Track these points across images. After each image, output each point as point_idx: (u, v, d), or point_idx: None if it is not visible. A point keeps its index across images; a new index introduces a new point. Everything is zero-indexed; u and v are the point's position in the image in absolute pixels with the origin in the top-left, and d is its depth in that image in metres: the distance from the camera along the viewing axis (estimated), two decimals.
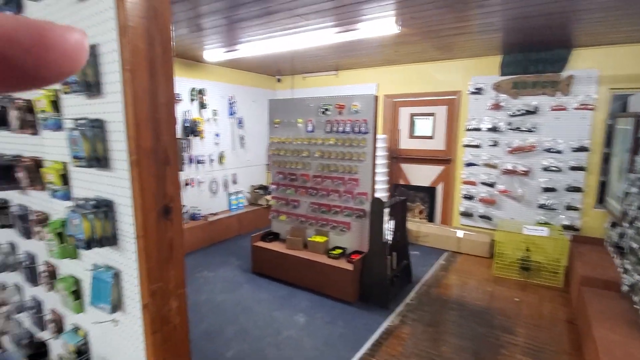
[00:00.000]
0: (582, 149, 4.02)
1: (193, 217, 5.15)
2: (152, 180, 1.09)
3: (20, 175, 1.42)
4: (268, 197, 6.02)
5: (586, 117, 3.98)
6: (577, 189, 4.11)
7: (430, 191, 5.32)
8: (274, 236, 4.27)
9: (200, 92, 5.22)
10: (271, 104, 4.19)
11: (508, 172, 4.45)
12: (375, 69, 5.46)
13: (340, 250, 3.75)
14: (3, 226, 1.73)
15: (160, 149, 1.10)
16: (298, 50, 4.29)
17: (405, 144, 5.40)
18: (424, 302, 3.58)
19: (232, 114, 5.79)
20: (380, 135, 5.05)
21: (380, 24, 3.18)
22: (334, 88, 5.83)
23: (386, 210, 3.60)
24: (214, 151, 5.55)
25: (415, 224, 5.21)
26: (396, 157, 5.45)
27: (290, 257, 3.86)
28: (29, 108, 1.34)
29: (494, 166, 4.57)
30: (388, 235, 3.75)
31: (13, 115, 1.36)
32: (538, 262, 3.97)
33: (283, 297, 3.68)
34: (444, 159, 5.06)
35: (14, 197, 1.68)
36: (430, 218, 5.38)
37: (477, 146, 4.66)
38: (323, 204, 3.90)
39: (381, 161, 5.01)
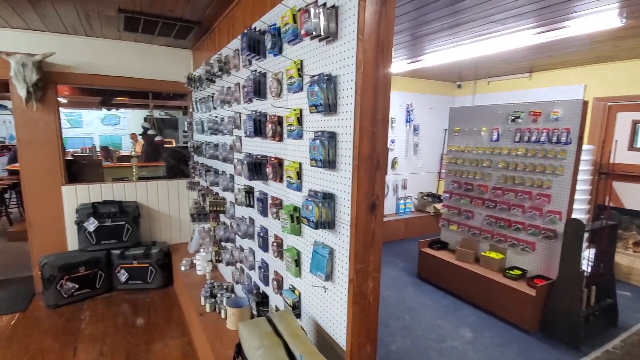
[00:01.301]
0: None
1: None
2: (366, 181, 1.35)
3: (267, 170, 1.97)
4: (437, 205, 5.94)
5: None
6: None
7: None
8: (442, 245, 4.23)
9: None
10: (452, 112, 4.16)
11: None
12: (583, 68, 4.63)
13: (519, 272, 3.41)
14: (248, 205, 2.40)
15: (375, 156, 1.35)
16: (486, 55, 4.10)
17: (623, 157, 4.38)
18: (633, 354, 2.89)
19: (408, 121, 5.98)
20: (585, 147, 4.27)
21: (596, 19, 2.75)
22: (524, 92, 5.26)
23: (585, 235, 3.07)
24: (388, 157, 5.87)
25: (628, 258, 4.18)
26: (606, 173, 4.49)
27: (459, 268, 3.75)
28: (279, 122, 1.85)
29: None
30: (586, 265, 3.19)
31: (268, 127, 1.91)
32: None
33: (448, 307, 3.62)
34: None
35: (258, 185, 2.32)
36: None
37: None
38: (502, 218, 3.63)
39: (583, 177, 4.23)
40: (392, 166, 5.94)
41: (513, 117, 3.47)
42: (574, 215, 3.79)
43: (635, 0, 2.42)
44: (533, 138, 3.32)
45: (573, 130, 3.04)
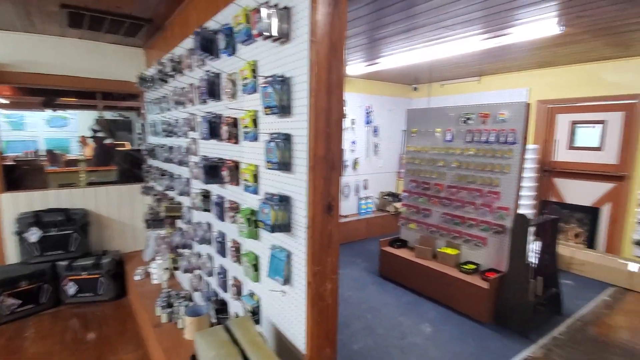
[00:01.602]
0: None
1: None
2: (322, 182, 1.35)
3: (224, 173, 1.92)
4: (397, 204, 6.10)
5: None
6: None
7: (591, 212, 4.53)
8: (402, 243, 4.34)
9: None
10: (409, 114, 4.28)
11: None
12: (527, 73, 4.96)
13: (473, 266, 3.58)
14: (205, 209, 2.32)
15: (330, 157, 1.35)
16: (439, 59, 4.27)
17: (563, 155, 4.73)
18: (576, 339, 3.12)
19: (368, 122, 6.09)
20: (530, 146, 4.57)
21: (538, 27, 2.95)
22: (475, 95, 5.54)
23: (531, 229, 3.28)
24: (350, 158, 5.94)
25: (569, 249, 4.52)
26: (549, 171, 4.83)
27: (419, 265, 3.87)
28: (235, 124, 1.80)
29: None
30: (532, 257, 3.40)
31: (223, 129, 1.85)
32: None
33: (409, 304, 3.72)
34: (615, 175, 4.25)
35: (214, 189, 2.25)
36: (590, 244, 4.57)
37: None
38: (457, 215, 3.79)
39: (528, 174, 4.52)
40: (354, 167, 6.02)
41: (464, 119, 3.64)
42: (521, 211, 4.02)
43: (572, 10, 2.62)
44: (483, 138, 3.50)
45: (518, 130, 3.24)
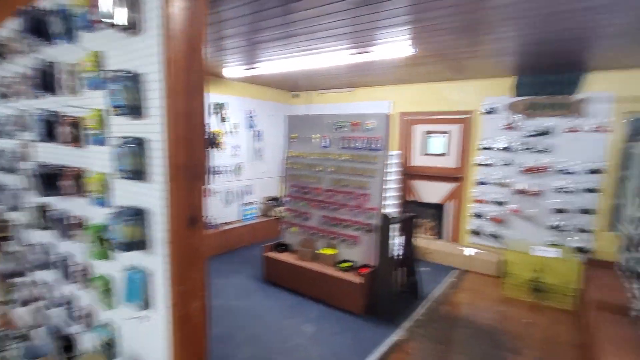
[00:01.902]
0: (596, 171, 4.03)
1: (207, 226, 5.33)
2: (183, 193, 1.23)
3: (64, 183, 1.59)
4: (280, 208, 6.16)
5: (601, 140, 4.01)
6: (589, 212, 4.11)
7: (440, 208, 5.37)
8: (285, 247, 4.39)
9: (221, 106, 5.45)
10: (289, 120, 4.37)
11: (520, 192, 4.48)
12: (390, 87, 5.60)
13: (349, 264, 3.84)
14: (43, 228, 1.91)
15: (192, 165, 1.24)
16: (315, 69, 4.47)
17: (418, 161, 5.49)
18: (432, 318, 3.62)
19: (251, 127, 6.00)
20: (393, 152, 5.15)
21: (395, 47, 3.33)
22: (349, 105, 6.00)
23: (394, 226, 3.68)
24: (232, 162, 5.75)
25: (425, 241, 5.25)
26: (408, 174, 5.54)
27: (300, 268, 3.96)
28: (77, 124, 1.51)
29: (505, 185, 4.61)
30: (396, 251, 3.82)
31: (63, 130, 1.54)
32: (549, 284, 3.97)
33: (293, 306, 3.77)
34: (455, 176, 5.12)
35: (55, 202, 1.86)
36: (440, 235, 5.41)
37: (489, 165, 4.71)
38: (333, 217, 4.01)
39: (393, 177, 5.10)
40: (237, 172, 5.85)
41: (338, 126, 3.90)
42: (388, 210, 4.48)
43: (421, 35, 3.04)
44: (354, 145, 3.79)
45: (382, 139, 3.61)
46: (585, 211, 4.13)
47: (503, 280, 4.28)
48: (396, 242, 3.85)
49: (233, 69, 4.69)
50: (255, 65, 4.45)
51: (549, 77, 4.22)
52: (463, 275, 4.73)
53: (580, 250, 4.17)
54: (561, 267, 3.94)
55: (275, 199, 6.44)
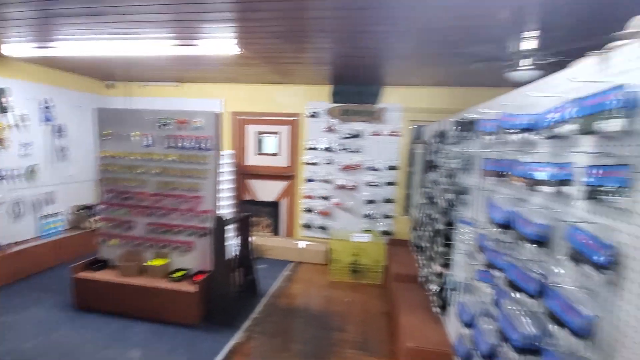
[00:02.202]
0: (393, 167, 5.00)
1: None
2: None
3: None
4: (95, 218, 5.21)
5: (395, 142, 4.98)
6: (390, 201, 5.06)
7: (275, 206, 5.61)
8: (103, 263, 3.73)
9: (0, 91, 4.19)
10: (99, 114, 3.72)
11: (340, 187, 5.12)
12: (221, 85, 5.48)
13: (183, 272, 3.56)
14: None
15: None
16: (134, 57, 3.94)
17: (252, 160, 5.57)
18: (270, 313, 3.73)
19: (47, 120, 4.83)
20: (226, 152, 5.07)
21: (220, 44, 3.25)
22: (176, 100, 5.56)
23: (230, 227, 3.63)
24: (21, 164, 4.51)
25: (263, 238, 5.39)
26: (243, 174, 5.56)
27: (124, 285, 3.45)
28: None
29: (329, 182, 5.19)
30: (234, 252, 3.78)
31: None
32: (364, 265, 4.67)
33: (115, 332, 3.24)
34: (287, 175, 5.44)
35: None
36: (276, 231, 5.66)
37: (315, 164, 5.20)
38: (163, 223, 3.65)
39: (228, 177, 5.01)
40: (30, 176, 4.61)
41: (162, 124, 3.55)
42: (224, 212, 4.38)
43: (245, 36, 3.05)
44: (182, 145, 3.53)
45: (213, 138, 3.49)
46: (388, 200, 5.06)
47: (329, 266, 4.80)
48: (233, 243, 3.80)
49: (17, 45, 3.65)
50: (50, 44, 3.58)
51: (358, 88, 4.96)
52: (297, 267, 5.08)
53: (386, 233, 5.08)
54: (372, 249, 4.70)
55: (88, 207, 5.40)
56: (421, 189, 3.97)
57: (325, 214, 5.25)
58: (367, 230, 5.01)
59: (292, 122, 5.33)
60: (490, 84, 4.30)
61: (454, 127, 2.35)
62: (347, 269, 4.69)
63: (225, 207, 4.70)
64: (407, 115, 4.95)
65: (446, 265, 2.60)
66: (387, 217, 5.10)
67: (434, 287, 2.87)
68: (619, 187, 0.91)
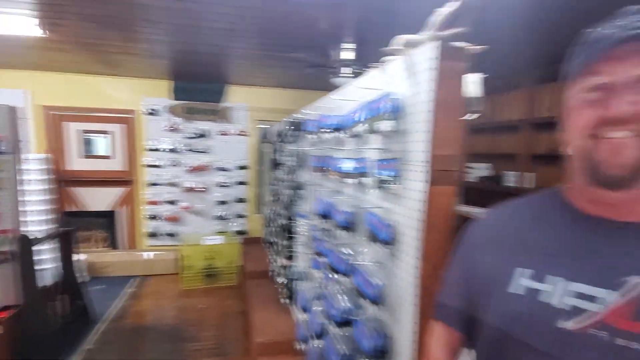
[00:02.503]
0: (243, 167, 4.99)
1: None
2: None
3: None
4: None
5: (244, 142, 4.99)
6: (242, 200, 5.05)
7: (111, 215, 4.89)
8: None
9: None
10: None
11: (189, 189, 4.83)
12: (27, 73, 4.41)
13: None
14: None
15: None
16: None
17: (77, 164, 4.70)
18: (108, 340, 3.24)
19: None
20: (36, 155, 4.13)
21: (17, 21, 2.63)
22: None
23: (45, 247, 2.99)
24: None
25: (97, 255, 4.64)
26: (65, 180, 4.64)
27: None
28: None
29: (175, 185, 4.82)
30: (53, 276, 3.13)
31: None
32: (218, 268, 4.54)
33: None
34: (125, 180, 4.81)
35: None
36: (114, 245, 4.95)
37: (158, 166, 4.75)
38: None
39: (40, 187, 4.08)
40: None
41: None
42: (37, 228, 3.59)
43: (48, 14, 2.53)
44: None
45: (7, 138, 2.78)
46: (240, 200, 5.04)
47: (181, 275, 4.48)
48: (51, 267, 3.13)
49: None
50: None
51: (201, 85, 4.74)
52: (144, 281, 4.56)
53: (239, 232, 5.05)
54: (227, 251, 4.60)
55: None
56: (270, 187, 4.10)
57: (173, 219, 4.86)
58: (220, 232, 4.88)
59: (127, 120, 4.72)
60: (323, 88, 4.74)
61: (288, 127, 2.50)
62: (201, 275, 4.47)
63: (38, 223, 3.82)
64: (254, 114, 5.02)
65: (290, 257, 2.76)
66: (240, 216, 5.07)
67: (281, 280, 3.01)
68: (394, 176, 1.13)
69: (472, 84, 1.07)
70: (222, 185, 4.92)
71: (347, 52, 2.71)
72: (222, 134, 4.88)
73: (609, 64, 0.63)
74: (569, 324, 0.64)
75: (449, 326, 0.88)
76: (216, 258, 4.55)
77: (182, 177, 4.82)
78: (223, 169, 4.91)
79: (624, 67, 0.62)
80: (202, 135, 4.79)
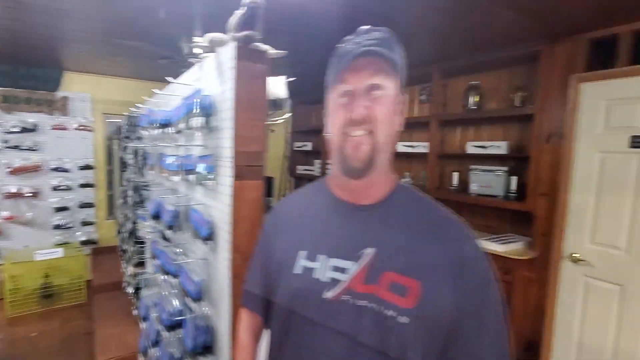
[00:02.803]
0: (88, 167, 4.31)
1: None
2: None
3: None
4: None
5: (87, 138, 4.31)
6: (89, 205, 4.38)
7: None
8: None
9: None
10: None
11: (12, 195, 3.95)
12: None
13: None
14: None
15: None
16: None
17: None
18: None
19: None
20: None
21: None
22: None
23: None
24: None
25: None
26: None
27: None
28: None
29: None
30: None
31: None
32: (59, 285, 3.87)
33: None
34: None
35: None
36: None
37: None
38: None
39: None
40: None
41: None
42: None
43: None
44: None
45: None
46: (86, 205, 4.36)
47: (7, 300, 3.67)
48: None
49: None
50: None
51: (25, 70, 3.92)
52: None
53: (87, 242, 4.39)
54: (70, 264, 3.95)
55: None
56: (120, 188, 3.68)
57: None
58: (60, 244, 4.15)
59: None
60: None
61: (126, 123, 2.27)
62: (35, 296, 3.74)
63: None
64: (100, 107, 4.40)
65: (140, 264, 2.53)
66: (87, 223, 4.40)
67: (131, 290, 2.75)
68: (210, 172, 1.14)
69: (278, 85, 1.15)
70: (61, 189, 4.18)
71: (198, 46, 2.60)
72: (57, 128, 4.12)
73: (350, 74, 0.76)
74: (329, 294, 0.75)
75: (252, 311, 0.94)
76: (56, 275, 3.87)
77: (2, 181, 3.92)
78: (61, 170, 4.17)
79: (360, 77, 0.76)
80: (28, 130, 3.96)
